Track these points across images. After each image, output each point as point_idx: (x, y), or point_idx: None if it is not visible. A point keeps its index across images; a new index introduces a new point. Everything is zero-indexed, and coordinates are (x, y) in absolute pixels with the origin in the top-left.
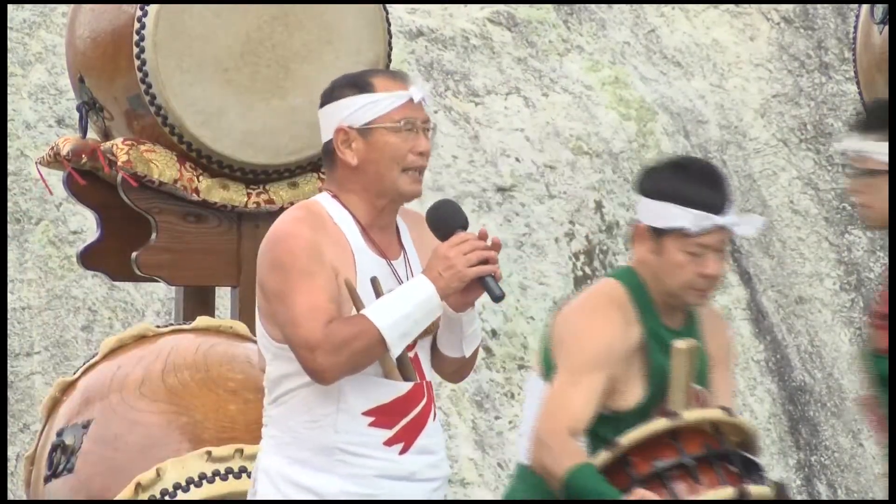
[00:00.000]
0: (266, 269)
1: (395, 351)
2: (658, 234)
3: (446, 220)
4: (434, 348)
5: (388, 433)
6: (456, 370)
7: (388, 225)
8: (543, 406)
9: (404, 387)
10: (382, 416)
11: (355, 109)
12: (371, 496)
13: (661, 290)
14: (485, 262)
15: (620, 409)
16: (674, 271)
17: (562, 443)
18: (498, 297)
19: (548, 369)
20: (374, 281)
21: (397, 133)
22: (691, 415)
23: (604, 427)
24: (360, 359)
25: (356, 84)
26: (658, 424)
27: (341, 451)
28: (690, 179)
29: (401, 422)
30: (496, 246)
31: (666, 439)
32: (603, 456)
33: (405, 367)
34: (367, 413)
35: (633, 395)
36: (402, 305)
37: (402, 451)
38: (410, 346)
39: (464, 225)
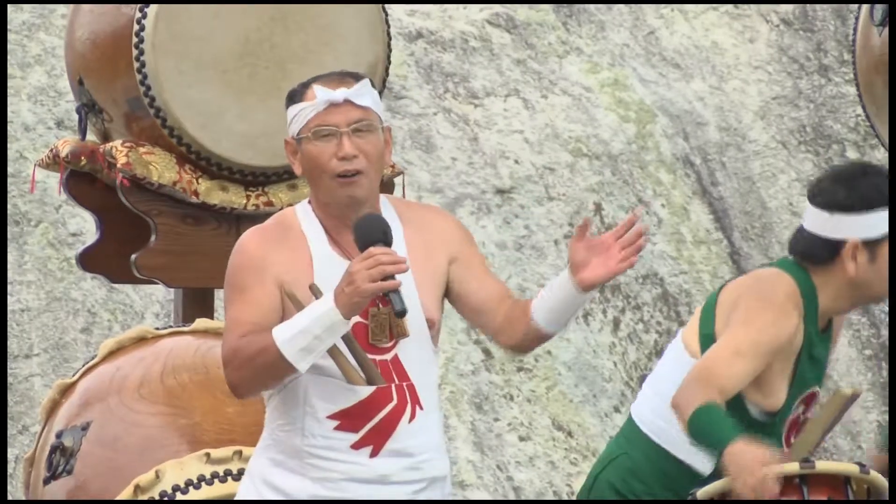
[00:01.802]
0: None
1: (301, 366)
2: (873, 244)
3: (364, 235)
4: (524, 322)
5: (354, 437)
6: (533, 343)
7: None
8: (705, 359)
9: (365, 391)
10: (347, 419)
11: (290, 121)
12: (341, 499)
13: (849, 298)
14: (390, 277)
15: (768, 409)
16: (885, 274)
17: (706, 391)
18: (399, 314)
19: (706, 339)
20: (312, 287)
21: (313, 143)
22: (823, 465)
23: (750, 430)
24: (265, 374)
25: (292, 94)
26: (790, 468)
27: (309, 455)
28: (883, 179)
29: (366, 425)
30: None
31: (794, 481)
32: (726, 482)
33: (368, 370)
34: (331, 417)
35: (778, 397)
36: (301, 321)
37: (373, 455)
38: (387, 349)
39: (382, 239)
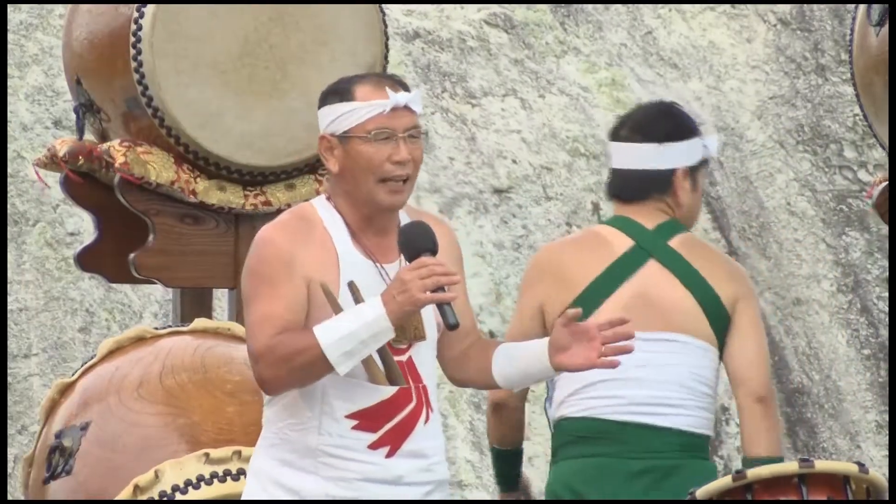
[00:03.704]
0: (243, 273)
1: (341, 369)
2: (694, 170)
3: (413, 243)
4: (480, 367)
5: (372, 436)
6: (477, 386)
7: (384, 229)
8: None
9: (388, 391)
10: (366, 419)
11: (335, 118)
12: (355, 499)
13: None
14: (442, 289)
15: None
16: (701, 199)
17: None
18: (451, 326)
19: (722, 322)
20: (351, 285)
21: (370, 143)
22: (822, 465)
23: None
24: (303, 374)
25: (338, 91)
26: (789, 467)
27: (324, 454)
28: (685, 111)
29: (385, 425)
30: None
31: (793, 480)
32: (725, 481)
33: (391, 371)
34: (350, 416)
35: None
36: (348, 324)
37: (389, 455)
38: (402, 350)
39: (431, 249)
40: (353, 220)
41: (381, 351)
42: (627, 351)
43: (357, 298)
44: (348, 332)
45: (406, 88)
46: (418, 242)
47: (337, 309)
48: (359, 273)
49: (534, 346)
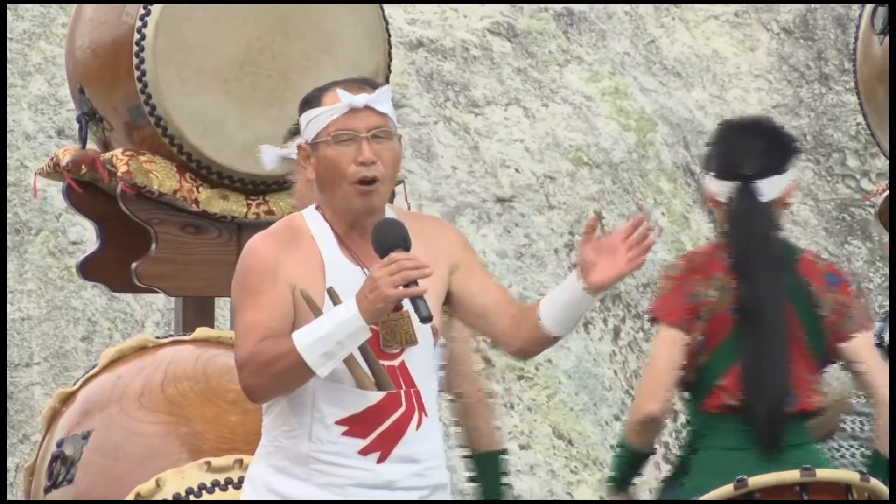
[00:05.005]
0: (232, 284)
1: (321, 371)
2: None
3: (384, 241)
4: (530, 326)
5: (362, 442)
6: (537, 347)
7: (369, 233)
8: None
9: (375, 396)
10: (355, 425)
11: (305, 125)
12: (347, 499)
13: None
14: (415, 283)
15: None
16: None
17: None
18: (424, 319)
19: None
20: (330, 291)
21: (333, 146)
22: (824, 473)
23: None
24: (284, 379)
25: (308, 99)
26: (791, 475)
27: (316, 461)
28: None
29: (375, 431)
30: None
31: (795, 488)
32: (727, 489)
33: (379, 376)
34: (339, 422)
35: None
36: (323, 326)
37: (380, 460)
38: (395, 355)
39: (402, 245)
40: (339, 225)
41: (367, 356)
42: (650, 246)
43: (336, 304)
44: (324, 334)
45: (376, 89)
46: (388, 239)
47: (318, 314)
48: (345, 278)
49: (566, 281)
